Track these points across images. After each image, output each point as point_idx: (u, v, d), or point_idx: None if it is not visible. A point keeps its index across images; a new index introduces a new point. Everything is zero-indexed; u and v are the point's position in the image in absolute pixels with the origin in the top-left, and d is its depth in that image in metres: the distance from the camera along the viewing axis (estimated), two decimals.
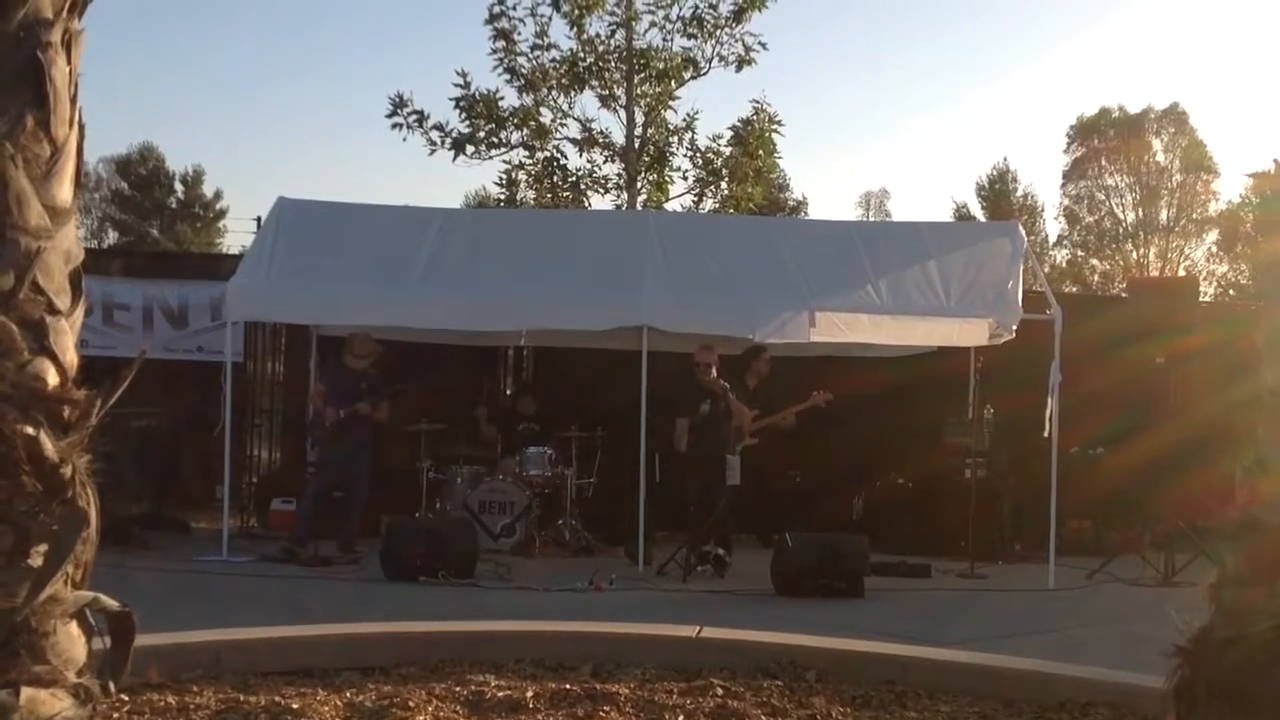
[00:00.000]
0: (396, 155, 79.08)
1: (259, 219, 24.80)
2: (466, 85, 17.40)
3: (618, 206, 18.14)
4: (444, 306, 11.09)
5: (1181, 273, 46.91)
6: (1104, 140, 52.26)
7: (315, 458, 11.80)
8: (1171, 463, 10.77)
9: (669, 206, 18.33)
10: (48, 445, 2.61)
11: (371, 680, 5.10)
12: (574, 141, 18.13)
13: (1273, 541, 2.84)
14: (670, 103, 18.09)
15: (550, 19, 17.56)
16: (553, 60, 17.65)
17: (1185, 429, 10.73)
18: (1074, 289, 46.40)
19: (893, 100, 79.09)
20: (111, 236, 54.20)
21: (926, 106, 77.93)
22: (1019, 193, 54.28)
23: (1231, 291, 44.09)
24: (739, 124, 18.13)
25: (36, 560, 2.59)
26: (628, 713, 4.71)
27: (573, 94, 17.82)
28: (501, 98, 17.63)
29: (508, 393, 13.84)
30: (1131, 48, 75.42)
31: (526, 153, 18.04)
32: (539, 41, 17.61)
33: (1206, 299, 33.53)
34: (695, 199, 18.65)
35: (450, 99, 17.45)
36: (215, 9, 78.82)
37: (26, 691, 2.56)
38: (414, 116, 17.49)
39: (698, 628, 6.11)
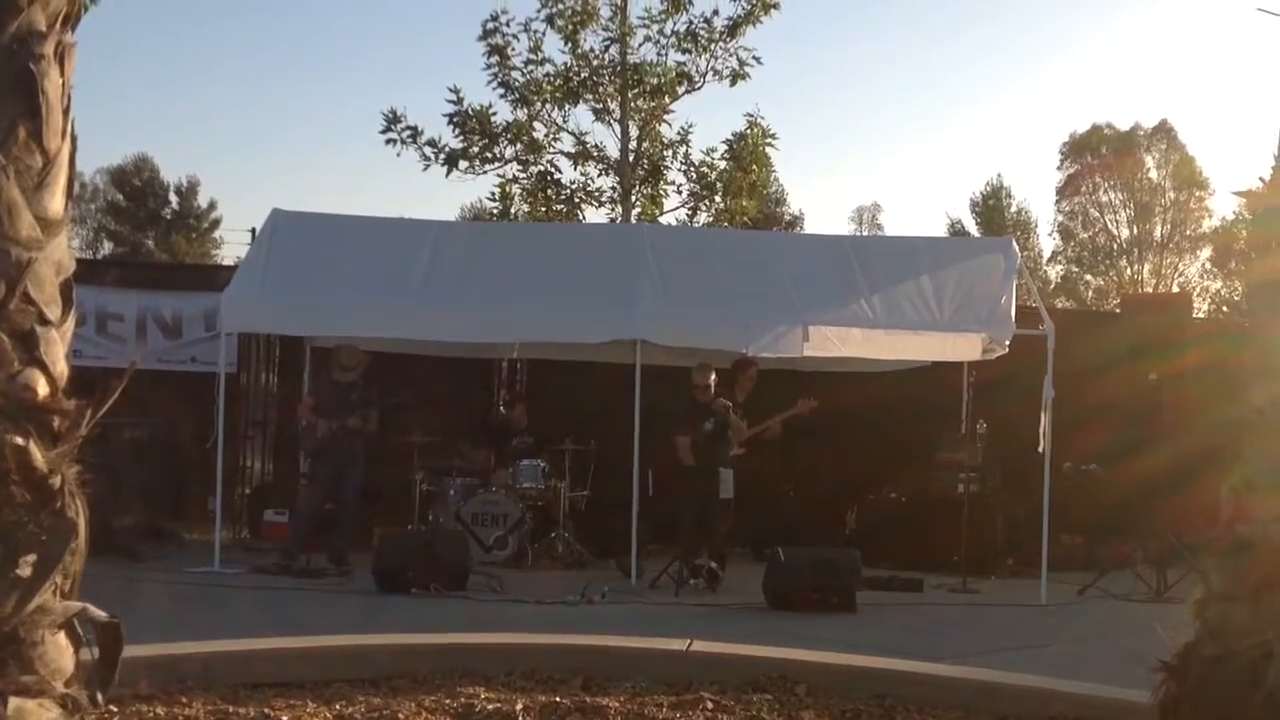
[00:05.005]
0: (391, 167, 79.35)
1: (254, 230, 24.91)
2: (459, 101, 17.47)
3: (612, 220, 18.18)
4: (438, 319, 11.08)
5: (1175, 289, 47.02)
6: (1097, 157, 52.42)
7: (307, 469, 11.78)
8: (1164, 479, 10.79)
9: (663, 220, 18.39)
10: (37, 455, 2.62)
11: (361, 692, 5.11)
12: (568, 155, 18.19)
13: (1258, 559, 2.85)
14: (664, 116, 18.15)
15: (544, 34, 17.64)
16: (546, 75, 17.71)
17: (1178, 445, 10.73)
18: (1068, 304, 46.49)
19: (886, 116, 79.36)
20: (106, 247, 54.20)
21: (920, 122, 78.29)
22: (1013, 208, 54.44)
23: (1225, 308, 44.17)
24: (733, 138, 18.18)
25: (25, 570, 2.59)
26: None
27: (566, 108, 17.88)
28: (494, 112, 17.70)
29: (500, 407, 13.82)
30: (1121, 65, 75.73)
31: (520, 167, 18.09)
32: (533, 56, 17.68)
33: (1200, 315, 33.63)
34: (689, 213, 18.72)
35: (443, 115, 17.53)
36: (211, 20, 79.00)
37: (14, 701, 2.56)
38: (407, 132, 17.54)
39: (688, 641, 6.10)
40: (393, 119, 17.55)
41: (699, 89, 17.92)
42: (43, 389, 2.71)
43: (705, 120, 33.35)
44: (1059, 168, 54.30)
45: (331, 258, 11.39)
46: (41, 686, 2.62)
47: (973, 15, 76.26)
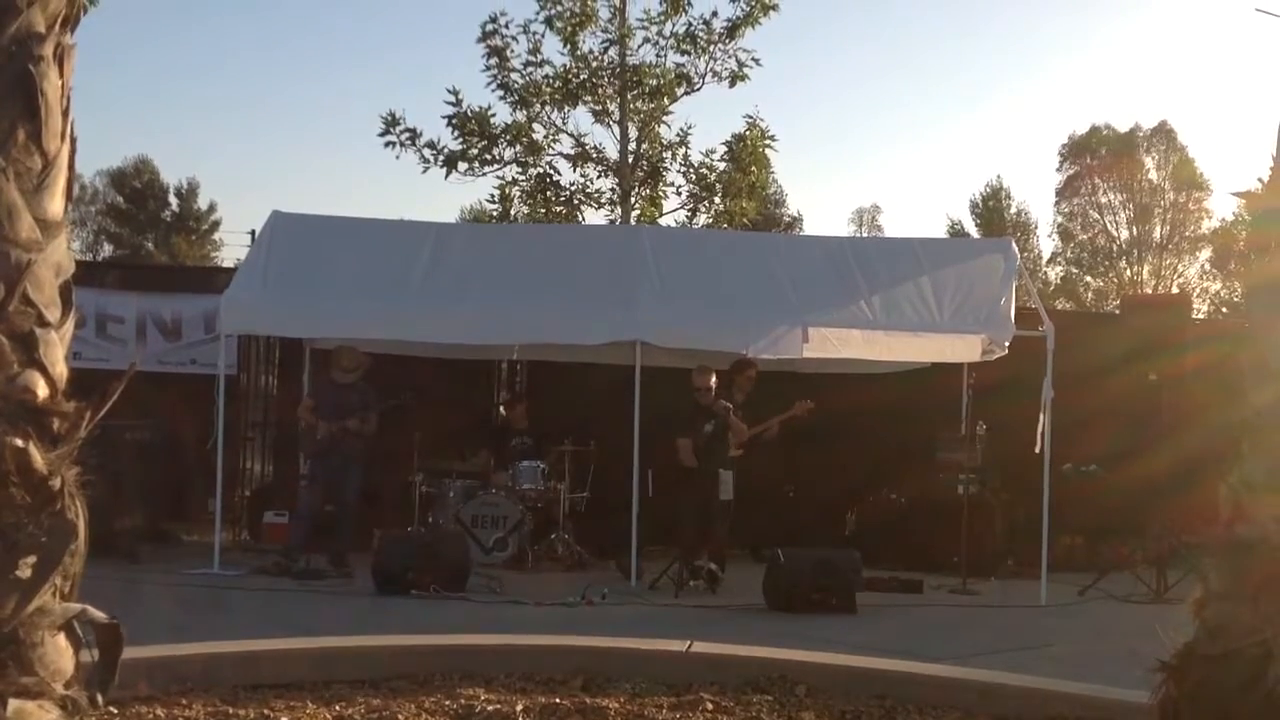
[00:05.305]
0: (392, 169, 79.42)
1: (253, 232, 24.93)
2: (458, 103, 17.47)
3: (611, 221, 18.19)
4: (438, 320, 11.08)
5: (1175, 290, 47.03)
6: (1096, 158, 52.46)
7: (307, 471, 11.78)
8: (1164, 480, 10.79)
9: (662, 222, 18.40)
10: (36, 457, 2.62)
11: (361, 693, 5.11)
12: (567, 157, 18.19)
13: (1257, 559, 2.85)
14: (664, 118, 18.15)
15: (543, 35, 17.65)
16: (545, 76, 17.72)
17: (1178, 446, 10.74)
18: (1068, 306, 46.50)
19: (885, 117, 79.43)
20: (106, 249, 54.22)
21: (919, 124, 78.30)
22: (1012, 210, 54.49)
23: (1224, 309, 44.20)
24: (732, 139, 18.19)
25: (24, 572, 2.60)
26: None
27: (565, 109, 17.89)
28: (494, 114, 17.70)
29: (500, 408, 13.82)
30: (1121, 66, 75.73)
31: (519, 168, 18.09)
32: (532, 58, 17.69)
33: (1200, 316, 33.64)
34: (689, 214, 18.73)
35: (442, 117, 17.56)
36: (212, 22, 78.99)
37: (14, 703, 2.56)
38: (406, 135, 17.55)
39: (688, 642, 6.11)
40: (391, 121, 17.56)
41: (698, 90, 17.96)
42: (42, 391, 2.71)
43: (704, 122, 33.50)
44: (1058, 169, 54.42)
45: (331, 260, 11.39)
46: (41, 688, 2.62)
47: (972, 16, 76.39)
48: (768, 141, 18.25)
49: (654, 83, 17.61)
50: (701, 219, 18.64)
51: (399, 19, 75.51)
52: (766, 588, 9.79)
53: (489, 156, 17.78)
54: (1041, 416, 10.66)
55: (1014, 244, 12.36)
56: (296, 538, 11.17)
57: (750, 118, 18.22)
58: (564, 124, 18.06)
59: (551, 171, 18.34)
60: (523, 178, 18.23)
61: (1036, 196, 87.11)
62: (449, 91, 17.42)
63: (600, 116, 17.90)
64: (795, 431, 11.96)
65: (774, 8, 17.64)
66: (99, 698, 2.78)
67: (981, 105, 77.88)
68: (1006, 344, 11.10)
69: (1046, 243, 55.54)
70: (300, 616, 8.81)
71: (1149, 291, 47.10)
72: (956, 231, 51.17)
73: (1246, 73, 70.28)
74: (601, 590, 9.92)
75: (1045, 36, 75.87)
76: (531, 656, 5.74)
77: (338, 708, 4.86)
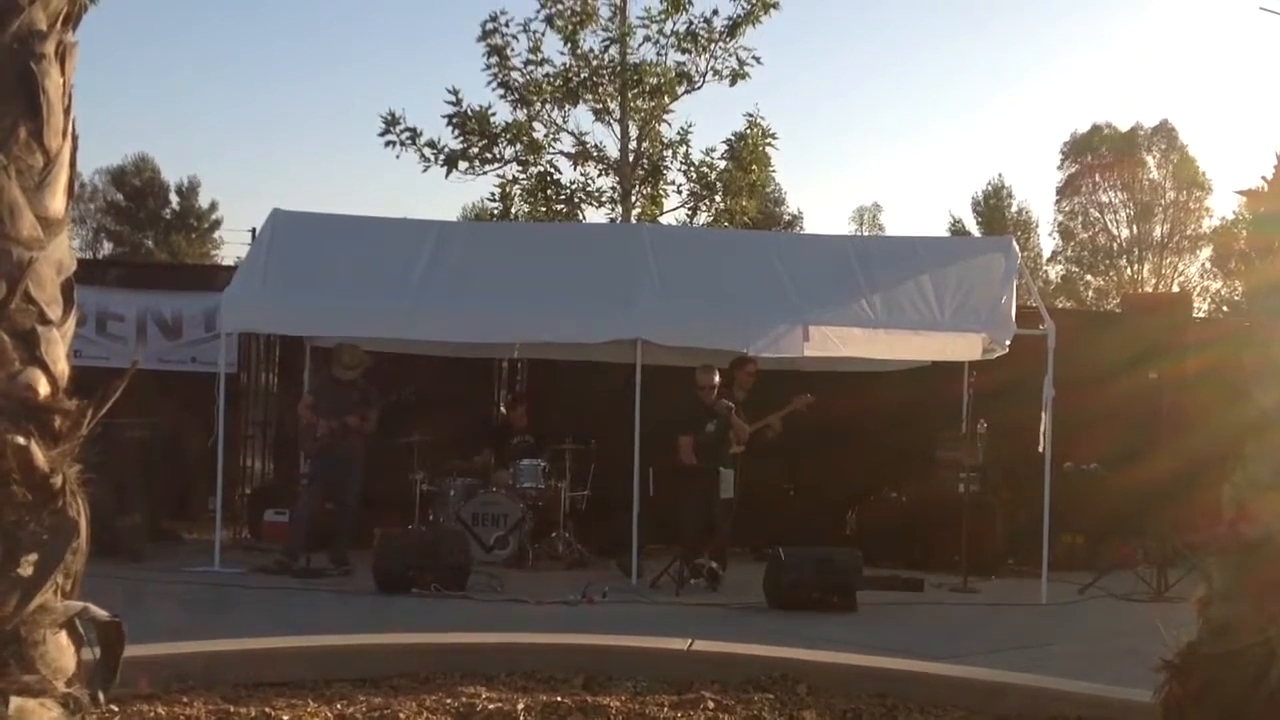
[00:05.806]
0: (392, 167, 79.26)
1: (254, 230, 24.91)
2: (458, 102, 17.47)
3: (612, 220, 18.18)
4: (439, 319, 11.08)
5: (1175, 289, 47.03)
6: (1097, 157, 52.45)
7: (307, 469, 11.78)
8: (1165, 479, 10.78)
9: (663, 220, 18.39)
10: (38, 455, 2.62)
11: (362, 692, 5.11)
12: (568, 155, 18.20)
13: (1262, 559, 2.85)
14: (664, 117, 18.15)
15: (544, 34, 17.65)
16: (546, 75, 17.72)
17: (1179, 445, 10.74)
18: (1069, 304, 46.49)
19: (886, 115, 79.32)
20: (106, 247, 54.20)
21: (920, 123, 78.18)
22: (1013, 209, 54.47)
23: (1225, 308, 44.19)
24: (733, 138, 18.19)
25: (26, 570, 2.60)
26: None
27: (566, 108, 17.89)
28: (494, 113, 17.71)
29: (501, 407, 13.82)
30: (1122, 65, 75.67)
31: (520, 167, 18.09)
32: (532, 57, 17.70)
33: (1200, 315, 33.64)
34: (689, 213, 18.72)
35: (443, 116, 17.55)
36: (212, 21, 78.98)
37: (15, 701, 2.56)
38: (406, 134, 17.54)
39: (689, 641, 6.10)
40: (391, 121, 17.55)
41: (699, 89, 17.95)
42: (44, 389, 2.71)
43: (705, 120, 33.50)
44: (1059, 168, 54.38)
45: (331, 258, 11.39)
46: (43, 686, 2.62)
47: (973, 15, 76.25)
48: (768, 140, 18.25)
49: (654, 81, 17.61)
50: (702, 218, 18.65)
51: (399, 19, 75.44)
52: (767, 586, 9.79)
53: (489, 155, 17.78)
54: (1043, 415, 10.66)
55: (1015, 243, 12.37)
56: (297, 536, 11.16)
57: (751, 116, 18.25)
58: (564, 123, 18.09)
59: (552, 170, 18.35)
60: (523, 176, 18.23)
61: (1037, 195, 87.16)
62: (449, 91, 17.46)
63: (601, 115, 17.90)
64: (796, 430, 11.97)
65: (775, 6, 17.65)
66: (100, 696, 2.78)
67: (982, 104, 77.85)
68: (1007, 343, 11.10)
69: (1047, 241, 55.54)
70: (301, 615, 8.81)
71: (1150, 290, 47.11)
72: (958, 230, 51.12)
73: (1248, 72, 70.28)
74: (602, 589, 9.92)
75: (1045, 36, 75.83)
76: (533, 655, 5.73)
77: (339, 706, 4.85)
